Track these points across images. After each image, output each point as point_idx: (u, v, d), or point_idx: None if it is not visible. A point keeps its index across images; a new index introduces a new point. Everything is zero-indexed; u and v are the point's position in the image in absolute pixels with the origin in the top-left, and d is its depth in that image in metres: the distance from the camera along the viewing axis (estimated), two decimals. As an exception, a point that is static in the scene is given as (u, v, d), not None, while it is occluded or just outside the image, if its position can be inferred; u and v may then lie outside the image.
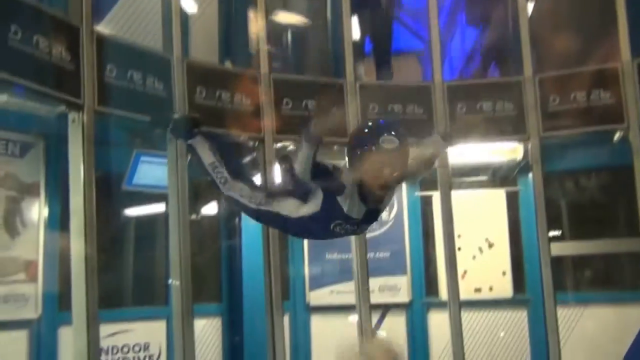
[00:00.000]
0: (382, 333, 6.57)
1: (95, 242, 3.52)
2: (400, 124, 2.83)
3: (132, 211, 6.61)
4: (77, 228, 3.54)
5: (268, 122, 4.50)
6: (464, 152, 6.00)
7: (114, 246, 6.62)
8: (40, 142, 5.41)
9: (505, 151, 6.56)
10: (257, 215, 3.04)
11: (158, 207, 6.26)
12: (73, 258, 3.54)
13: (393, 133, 2.67)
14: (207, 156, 3.14)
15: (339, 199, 2.71)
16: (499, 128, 5.62)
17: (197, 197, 6.67)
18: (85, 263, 3.44)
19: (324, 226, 2.85)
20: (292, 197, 2.88)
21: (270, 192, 3.05)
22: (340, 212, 2.74)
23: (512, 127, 5.66)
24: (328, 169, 2.76)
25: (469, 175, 6.92)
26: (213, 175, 3.10)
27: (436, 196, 6.19)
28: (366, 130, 2.79)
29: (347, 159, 2.76)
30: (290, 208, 2.87)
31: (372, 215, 2.85)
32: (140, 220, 6.66)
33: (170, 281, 4.17)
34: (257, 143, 5.25)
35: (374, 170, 2.65)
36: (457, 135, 4.72)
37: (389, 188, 2.78)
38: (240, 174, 3.14)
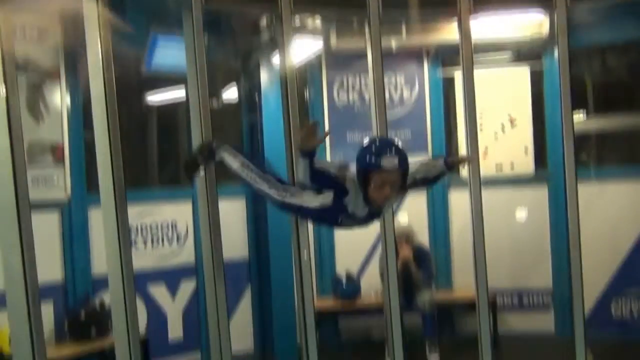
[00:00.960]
0: (402, 212, 6.71)
1: (117, 126, 3.56)
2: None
3: (155, 95, 6.63)
4: (99, 111, 3.56)
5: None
6: (487, 27, 5.82)
7: (139, 130, 6.71)
8: (57, 26, 5.36)
9: (530, 26, 6.37)
10: (282, 206, 3.38)
11: (180, 91, 6.28)
12: (97, 141, 3.60)
13: (394, 154, 2.99)
14: (235, 161, 3.47)
15: (345, 200, 3.08)
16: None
17: (217, 79, 6.66)
18: (109, 146, 3.49)
19: (334, 218, 3.24)
20: (309, 190, 3.20)
21: (292, 185, 3.45)
22: (345, 209, 3.11)
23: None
24: (331, 175, 3.08)
25: (492, 52, 6.77)
26: (244, 176, 3.43)
27: (458, 74, 6.09)
28: (369, 149, 3.05)
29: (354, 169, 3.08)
30: (308, 199, 3.20)
31: (376, 214, 3.26)
32: (164, 104, 6.70)
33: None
34: (273, 19, 5.14)
35: (375, 187, 2.97)
36: (479, 7, 4.56)
37: (389, 201, 3.13)
38: (266, 171, 3.45)
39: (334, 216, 3.22)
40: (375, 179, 2.97)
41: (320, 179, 3.09)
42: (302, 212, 3.43)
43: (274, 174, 3.48)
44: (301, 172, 3.06)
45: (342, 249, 6.96)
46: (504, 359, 5.95)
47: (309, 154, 2.99)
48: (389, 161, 2.96)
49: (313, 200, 3.18)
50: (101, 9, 3.48)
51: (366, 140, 3.22)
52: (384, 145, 3.11)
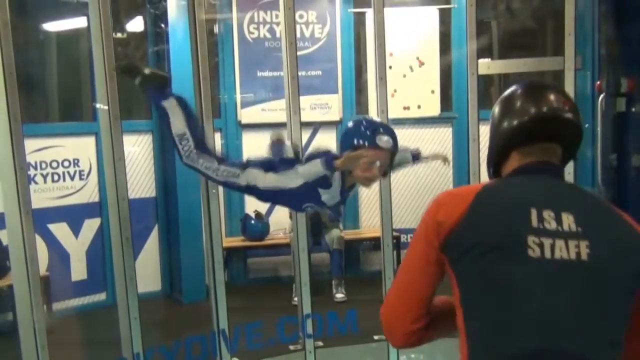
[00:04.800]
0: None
1: (11, 51, 3.33)
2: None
3: (53, 23, 6.27)
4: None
5: None
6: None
7: (36, 60, 6.35)
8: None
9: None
10: (224, 185, 3.24)
11: (80, 20, 5.96)
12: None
13: (388, 133, 2.92)
14: (179, 124, 3.10)
15: (321, 191, 2.98)
16: None
17: (122, 7, 6.37)
18: (2, 72, 3.27)
19: (296, 202, 3.13)
20: (262, 169, 3.05)
21: (237, 163, 3.20)
22: (317, 199, 3.01)
23: None
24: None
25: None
26: (178, 145, 3.12)
27: (369, 13, 6.06)
28: (363, 126, 2.95)
29: (339, 147, 2.98)
30: (262, 179, 3.04)
31: (341, 203, 3.16)
32: (63, 34, 6.35)
33: (97, 105, 4.05)
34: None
35: (365, 165, 2.86)
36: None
37: (371, 183, 3.03)
38: (206, 147, 3.17)
39: (298, 203, 3.13)
40: (366, 156, 2.87)
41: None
42: (252, 193, 3.22)
43: (214, 152, 3.27)
44: (313, 173, 2.97)
45: (251, 189, 6.94)
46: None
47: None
48: (384, 140, 2.89)
49: (269, 180, 3.06)
50: None
51: (352, 121, 3.13)
52: (376, 124, 3.05)
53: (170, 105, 3.14)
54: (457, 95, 6.88)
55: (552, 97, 1.65)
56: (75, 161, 5.98)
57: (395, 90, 6.54)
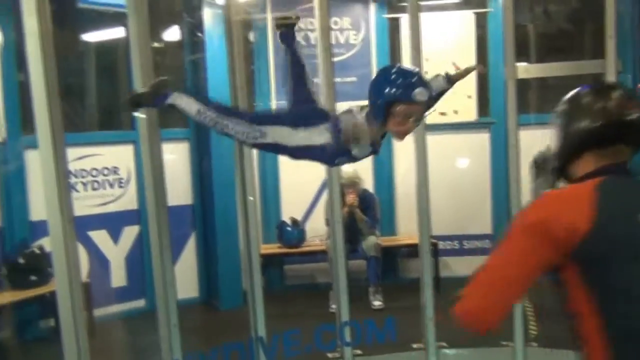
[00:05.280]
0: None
1: (54, 64, 3.39)
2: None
3: (93, 33, 6.38)
4: (33, 50, 3.38)
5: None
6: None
7: (77, 70, 6.47)
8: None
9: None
10: (256, 147, 3.12)
11: (119, 30, 6.05)
12: (32, 81, 3.43)
13: (424, 84, 2.70)
14: (192, 105, 3.01)
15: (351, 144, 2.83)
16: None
17: (158, 17, 6.45)
18: (45, 82, 3.32)
19: (327, 157, 2.96)
20: (289, 126, 2.88)
21: (264, 119, 3.01)
22: (348, 152, 2.86)
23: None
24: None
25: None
26: (203, 122, 3.01)
27: (404, 18, 6.04)
28: (395, 78, 2.73)
29: (370, 105, 2.79)
30: (290, 137, 2.88)
31: (373, 152, 2.96)
32: (102, 44, 6.46)
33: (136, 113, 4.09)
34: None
35: (399, 120, 2.71)
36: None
37: (406, 135, 2.84)
38: (227, 110, 3.04)
39: (330, 157, 2.95)
40: (401, 111, 2.69)
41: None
42: (281, 151, 3.04)
43: (238, 112, 3.19)
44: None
45: (287, 196, 6.95)
46: (445, 302, 6.11)
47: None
48: (421, 93, 2.67)
49: (296, 137, 2.89)
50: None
51: (382, 70, 2.91)
52: (410, 75, 2.77)
53: (174, 98, 3.09)
54: (494, 100, 6.80)
55: (628, 101, 1.68)
56: (115, 169, 6.07)
57: (431, 95, 6.48)
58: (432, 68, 6.49)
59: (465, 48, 6.84)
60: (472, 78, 6.84)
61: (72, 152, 5.37)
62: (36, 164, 3.62)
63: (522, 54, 6.64)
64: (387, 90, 2.71)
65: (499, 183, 6.48)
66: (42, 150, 3.43)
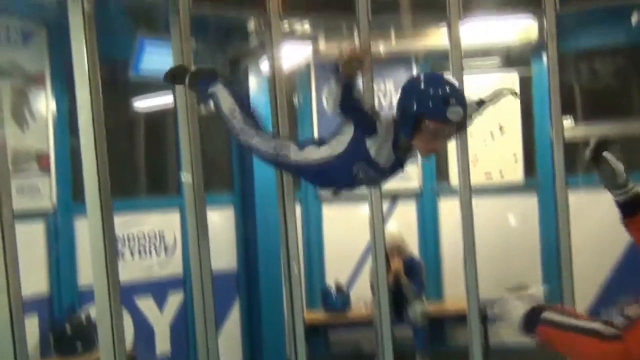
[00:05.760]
0: (392, 221, 6.64)
1: (104, 134, 3.47)
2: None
3: (142, 101, 6.54)
4: (85, 118, 3.47)
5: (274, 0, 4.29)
6: (476, 32, 5.80)
7: (125, 137, 6.61)
8: (42, 30, 5.28)
9: (519, 31, 6.36)
10: (275, 161, 2.96)
11: (167, 97, 6.18)
12: (83, 149, 3.51)
13: (460, 102, 2.43)
14: (228, 102, 3.03)
15: (368, 142, 2.57)
16: (512, 2, 5.41)
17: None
18: (94, 149, 3.40)
19: (346, 169, 2.68)
20: (314, 145, 2.79)
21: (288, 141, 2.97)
22: (366, 154, 2.60)
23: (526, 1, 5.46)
24: (363, 108, 2.57)
25: (481, 57, 6.74)
26: (232, 121, 3.02)
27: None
28: (433, 92, 2.45)
29: (398, 111, 2.54)
30: (311, 153, 2.77)
31: (398, 165, 2.71)
32: (151, 111, 6.61)
33: (182, 175, 4.15)
34: (262, 23, 5.09)
35: (427, 137, 2.48)
36: (467, 10, 4.54)
37: (432, 153, 2.66)
38: (256, 121, 3.04)
39: (348, 167, 2.67)
40: (432, 129, 2.44)
41: (351, 109, 2.53)
42: (302, 171, 2.93)
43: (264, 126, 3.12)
44: (332, 95, 2.47)
45: (331, 260, 6.89)
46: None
47: (350, 81, 2.42)
48: (455, 112, 2.40)
49: (318, 152, 2.74)
50: (87, 13, 3.39)
51: (413, 79, 2.72)
52: (447, 88, 2.47)
53: (217, 88, 3.10)
54: (540, 162, 6.69)
55: None
56: (161, 234, 6.11)
57: (476, 156, 6.42)
58: (476, 129, 6.51)
59: (510, 108, 6.76)
60: (517, 138, 6.77)
61: (119, 219, 5.45)
62: (85, 231, 3.67)
63: (566, 113, 6.55)
64: (419, 102, 2.45)
65: (549, 245, 6.31)
66: (90, 217, 3.47)
